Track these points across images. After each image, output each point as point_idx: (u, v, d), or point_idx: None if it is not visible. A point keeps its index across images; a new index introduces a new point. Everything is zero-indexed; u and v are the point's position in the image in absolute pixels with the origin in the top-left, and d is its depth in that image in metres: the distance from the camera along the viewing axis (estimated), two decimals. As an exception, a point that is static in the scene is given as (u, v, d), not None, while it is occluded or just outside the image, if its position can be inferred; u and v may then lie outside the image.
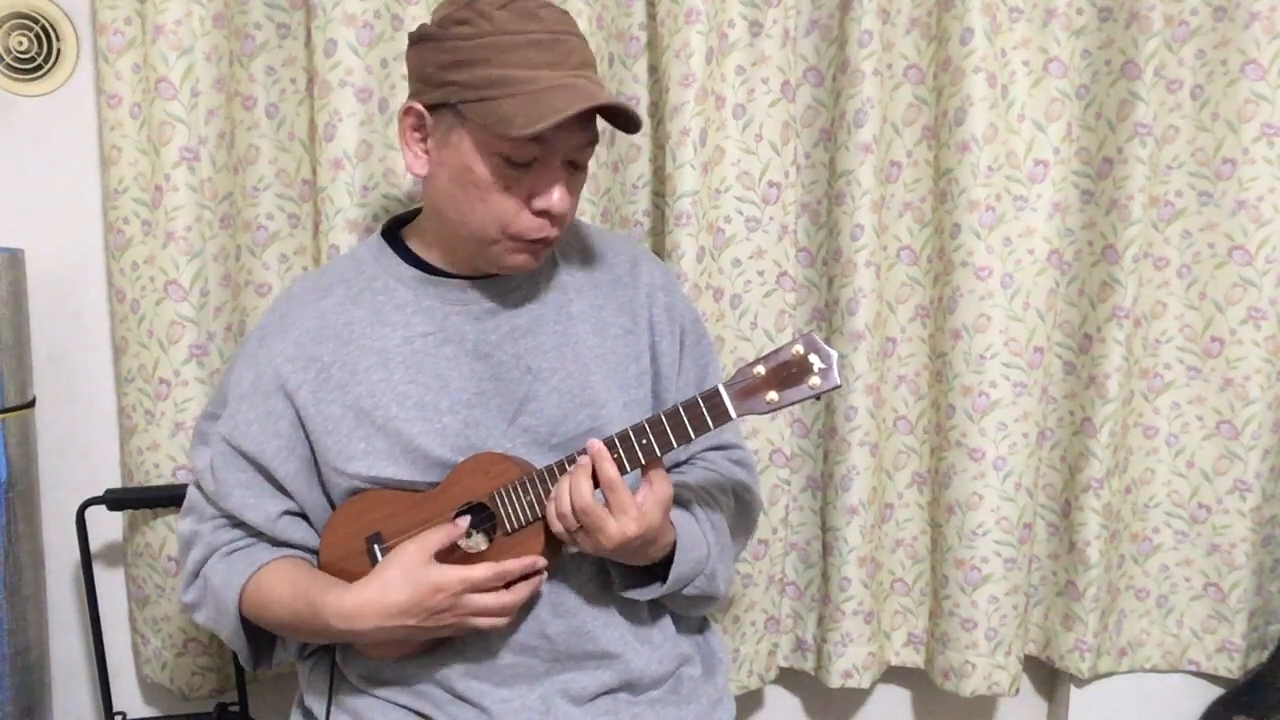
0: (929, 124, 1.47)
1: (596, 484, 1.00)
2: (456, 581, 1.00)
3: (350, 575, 1.09)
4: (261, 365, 1.10)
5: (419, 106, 1.04)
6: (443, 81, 1.01)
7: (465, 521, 1.04)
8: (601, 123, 1.05)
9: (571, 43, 1.01)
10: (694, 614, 1.20)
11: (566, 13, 1.03)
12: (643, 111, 1.44)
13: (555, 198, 1.02)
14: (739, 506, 1.22)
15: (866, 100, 1.41)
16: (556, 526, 1.01)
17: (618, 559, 1.06)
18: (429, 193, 1.09)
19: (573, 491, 0.99)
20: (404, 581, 1.00)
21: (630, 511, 0.99)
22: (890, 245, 1.50)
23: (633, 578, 1.12)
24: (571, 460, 1.02)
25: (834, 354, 0.96)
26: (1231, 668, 1.58)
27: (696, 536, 1.11)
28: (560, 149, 1.02)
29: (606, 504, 0.99)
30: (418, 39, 1.04)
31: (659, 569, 1.11)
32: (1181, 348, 1.52)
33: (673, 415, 0.99)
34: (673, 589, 1.09)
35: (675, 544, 1.08)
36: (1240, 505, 1.53)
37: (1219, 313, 1.49)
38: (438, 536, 1.02)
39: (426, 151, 1.06)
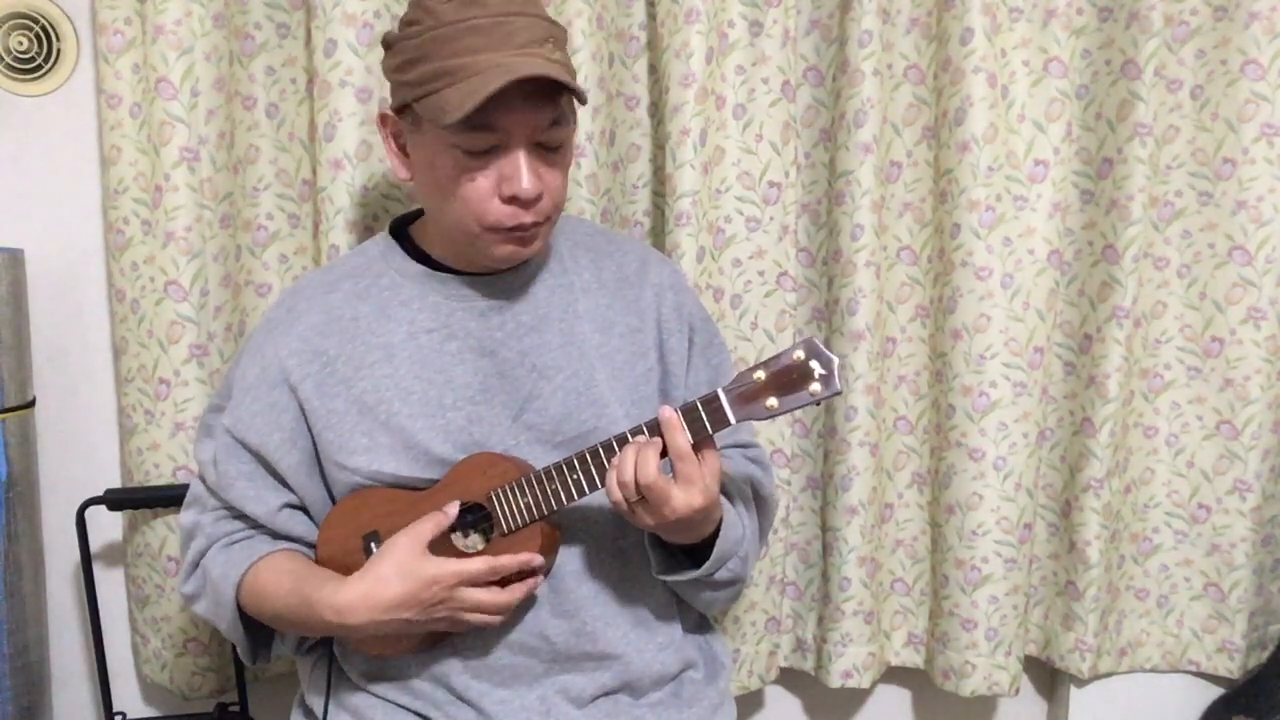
0: (929, 124, 1.47)
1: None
2: (450, 574, 1.00)
3: (347, 573, 1.09)
4: (267, 358, 1.10)
5: (389, 112, 1.06)
6: (400, 83, 1.02)
7: (454, 509, 1.04)
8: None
9: (518, 23, 0.97)
10: (714, 605, 1.19)
11: None
12: (643, 111, 1.44)
13: (522, 183, 1.00)
14: (758, 502, 1.22)
15: (866, 100, 1.41)
16: (615, 496, 0.99)
17: (666, 533, 1.05)
18: (416, 195, 1.10)
19: (639, 465, 0.97)
20: (397, 575, 1.00)
21: (698, 483, 0.98)
22: (890, 245, 1.50)
23: (668, 562, 1.12)
24: (569, 463, 1.02)
25: (835, 360, 0.95)
26: (1231, 668, 1.58)
27: (734, 517, 1.11)
28: (516, 132, 0.99)
29: (674, 475, 0.98)
30: (384, 45, 1.04)
31: (690, 555, 1.11)
32: (1181, 348, 1.52)
33: None
34: (713, 568, 1.08)
35: (721, 520, 1.08)
36: (1240, 505, 1.53)
37: (1219, 313, 1.49)
38: (428, 526, 1.02)
39: (407, 156, 1.07)
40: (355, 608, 1.01)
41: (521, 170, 1.00)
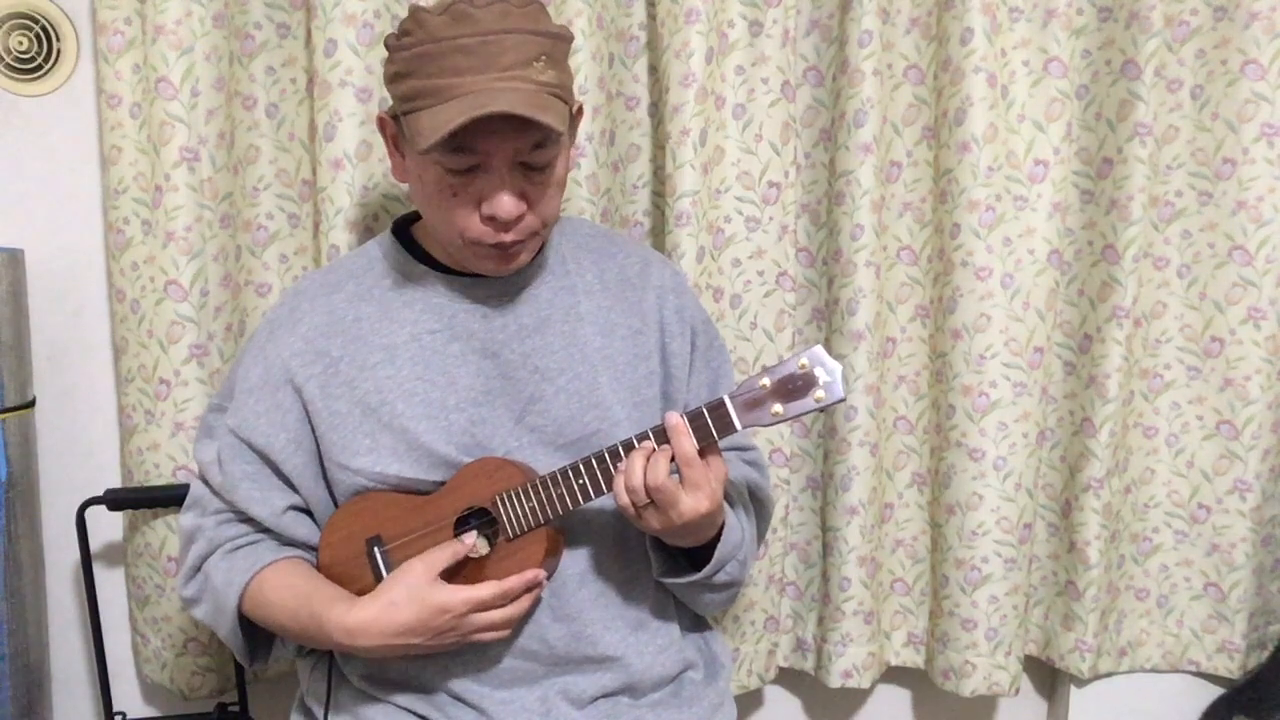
0: (929, 124, 1.47)
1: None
2: (461, 602, 1.00)
3: (349, 577, 1.09)
4: (270, 359, 1.10)
5: (386, 116, 1.06)
6: (392, 93, 1.02)
7: (472, 539, 1.04)
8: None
9: (507, 41, 0.96)
10: (712, 607, 1.19)
11: (518, 8, 0.97)
12: (643, 111, 1.44)
13: (501, 204, 0.99)
14: (755, 505, 1.22)
15: (866, 100, 1.41)
16: (624, 501, 1.00)
17: (670, 537, 1.05)
18: (412, 197, 1.10)
19: (649, 469, 0.97)
20: (409, 601, 1.00)
21: (704, 488, 0.99)
22: (890, 245, 1.50)
23: (669, 564, 1.13)
24: (575, 469, 1.02)
25: (839, 367, 0.96)
26: (1231, 668, 1.58)
27: (734, 520, 1.12)
28: (496, 154, 0.98)
29: (681, 480, 0.99)
30: (386, 47, 1.04)
31: (690, 558, 1.12)
32: (1181, 348, 1.52)
33: None
34: (713, 571, 1.09)
35: (723, 524, 1.08)
36: (1240, 505, 1.53)
37: (1219, 313, 1.49)
38: (444, 555, 1.02)
39: (405, 159, 1.07)
40: (366, 630, 1.01)
41: (500, 192, 1.00)
